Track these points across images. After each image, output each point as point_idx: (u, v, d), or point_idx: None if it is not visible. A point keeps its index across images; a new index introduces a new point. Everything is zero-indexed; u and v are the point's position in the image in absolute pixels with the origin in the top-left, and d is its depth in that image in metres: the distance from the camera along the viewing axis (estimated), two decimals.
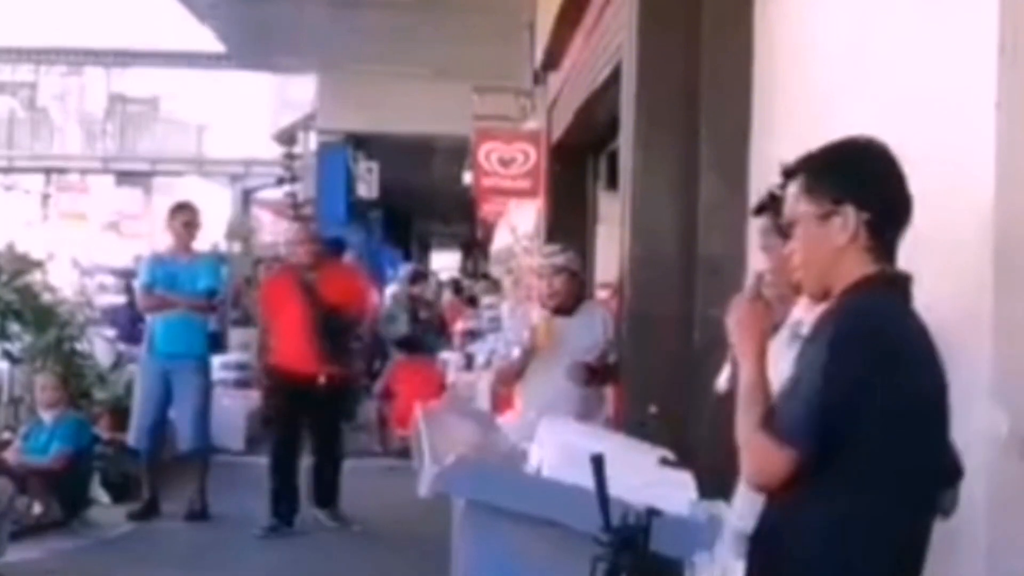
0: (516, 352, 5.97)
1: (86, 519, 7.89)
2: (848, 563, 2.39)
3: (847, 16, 3.81)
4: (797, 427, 2.34)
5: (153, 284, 8.15)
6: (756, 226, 3.42)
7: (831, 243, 2.46)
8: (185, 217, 8.30)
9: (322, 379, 7.67)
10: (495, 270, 19.77)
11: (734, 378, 2.72)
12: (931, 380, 2.40)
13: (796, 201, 2.53)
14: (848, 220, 2.43)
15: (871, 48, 3.53)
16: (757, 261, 3.58)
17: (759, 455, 2.40)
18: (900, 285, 2.46)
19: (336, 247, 12.79)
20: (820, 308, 2.79)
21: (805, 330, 2.95)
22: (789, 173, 2.59)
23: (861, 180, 2.47)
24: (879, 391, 2.32)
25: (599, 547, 2.66)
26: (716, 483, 3.31)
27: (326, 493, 7.92)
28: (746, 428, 2.44)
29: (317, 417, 7.90)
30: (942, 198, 2.90)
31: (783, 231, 3.02)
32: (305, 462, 7.91)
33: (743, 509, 3.05)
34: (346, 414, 11.91)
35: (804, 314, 3.11)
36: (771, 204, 3.28)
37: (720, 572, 3.14)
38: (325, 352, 7.68)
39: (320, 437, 7.95)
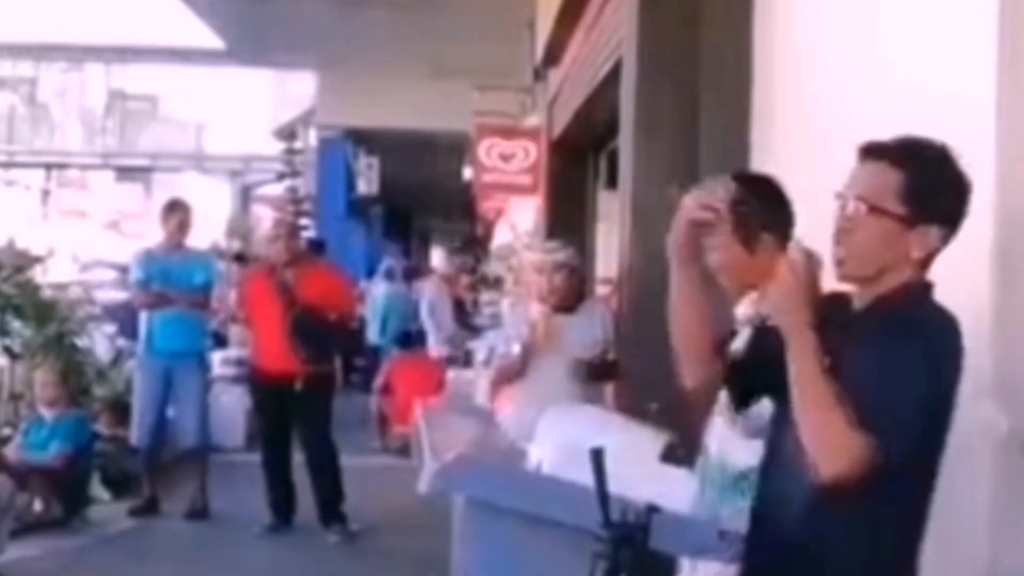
0: (517, 349, 5.97)
1: (86, 517, 7.89)
2: (904, 566, 2.44)
3: (847, 15, 3.80)
4: (899, 434, 2.30)
5: (148, 280, 8.13)
6: None
7: (903, 250, 2.41)
8: (179, 217, 8.28)
9: (300, 379, 7.47)
10: (495, 266, 19.78)
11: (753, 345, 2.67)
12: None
13: (885, 192, 2.39)
14: (929, 239, 2.40)
15: (871, 47, 3.53)
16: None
17: (846, 450, 2.30)
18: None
19: (316, 248, 12.88)
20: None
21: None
22: (881, 154, 2.44)
23: (955, 206, 2.41)
24: (953, 403, 2.36)
25: (599, 544, 2.66)
26: None
27: (328, 511, 7.65)
28: (826, 418, 2.32)
29: (301, 419, 7.70)
30: None
31: (745, 229, 3.06)
32: (299, 459, 7.82)
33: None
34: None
35: (747, 308, 3.12)
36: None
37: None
38: (302, 351, 7.50)
39: (306, 441, 7.76)
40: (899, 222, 2.38)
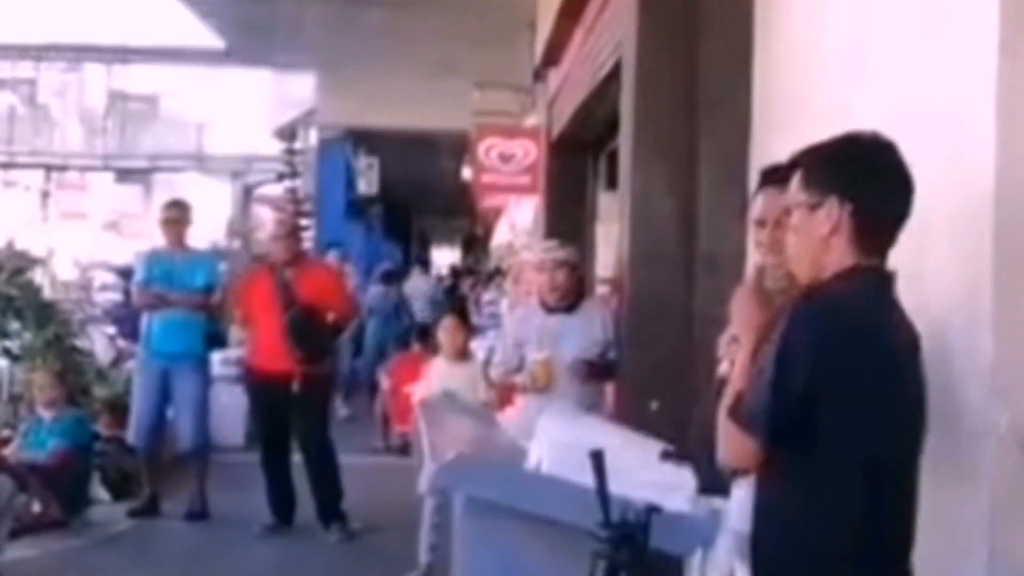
0: (518, 379, 5.99)
1: (86, 517, 7.88)
2: (821, 548, 2.43)
3: (847, 13, 3.80)
4: (756, 415, 2.42)
5: (150, 281, 8.13)
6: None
7: (817, 233, 2.52)
8: (161, 215, 8.33)
9: (297, 379, 7.43)
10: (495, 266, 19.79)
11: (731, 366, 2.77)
12: (895, 368, 2.43)
13: (793, 191, 2.60)
14: (831, 212, 2.49)
15: (871, 45, 3.53)
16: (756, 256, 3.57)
17: (727, 441, 2.51)
18: (874, 277, 2.51)
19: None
20: None
21: None
22: (793, 165, 2.64)
23: (849, 174, 2.52)
24: (833, 378, 2.37)
25: (598, 543, 2.66)
26: (713, 472, 3.32)
27: (328, 510, 7.65)
28: (722, 415, 2.53)
29: (298, 419, 7.67)
30: (942, 196, 2.90)
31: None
32: (299, 458, 7.79)
33: (743, 512, 3.05)
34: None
35: None
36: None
37: (723, 573, 3.14)
38: (300, 351, 7.47)
39: (304, 441, 7.72)
40: (803, 208, 2.55)
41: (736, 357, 2.69)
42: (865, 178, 2.50)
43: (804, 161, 2.61)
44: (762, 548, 2.56)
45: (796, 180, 2.59)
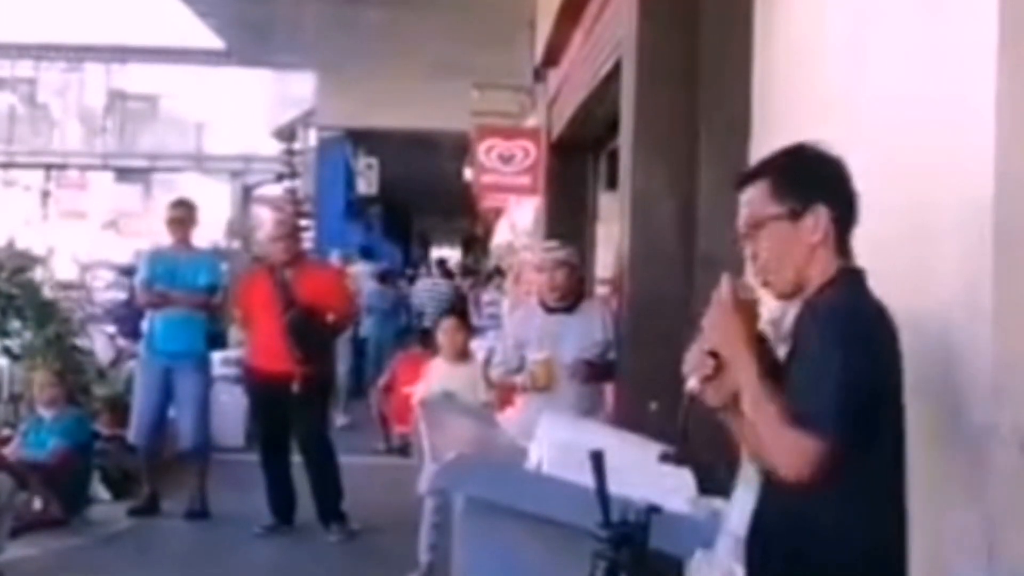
0: (518, 379, 5.99)
1: (86, 516, 7.89)
2: (874, 547, 2.45)
3: (847, 13, 3.80)
4: (830, 419, 2.36)
5: (153, 279, 8.14)
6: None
7: (804, 242, 2.54)
8: (167, 214, 8.34)
9: (296, 380, 7.42)
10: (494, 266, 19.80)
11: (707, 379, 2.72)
12: (898, 370, 2.49)
13: (762, 203, 2.58)
14: (820, 219, 2.53)
15: (871, 46, 3.53)
16: None
17: (794, 451, 2.39)
18: (860, 278, 2.56)
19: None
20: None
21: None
22: (749, 178, 2.64)
23: (828, 181, 2.57)
24: (888, 379, 2.44)
25: (598, 543, 2.66)
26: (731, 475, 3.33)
27: (328, 510, 7.65)
28: (768, 426, 2.44)
29: (297, 419, 7.66)
30: (942, 196, 2.90)
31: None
32: (299, 458, 7.80)
33: (743, 516, 3.05)
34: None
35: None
36: None
37: (723, 574, 3.14)
38: (299, 352, 7.45)
39: (303, 441, 7.72)
40: (784, 219, 2.55)
41: (706, 371, 2.61)
42: (838, 184, 2.57)
43: (771, 171, 2.61)
44: (787, 550, 2.53)
45: (762, 191, 2.59)
